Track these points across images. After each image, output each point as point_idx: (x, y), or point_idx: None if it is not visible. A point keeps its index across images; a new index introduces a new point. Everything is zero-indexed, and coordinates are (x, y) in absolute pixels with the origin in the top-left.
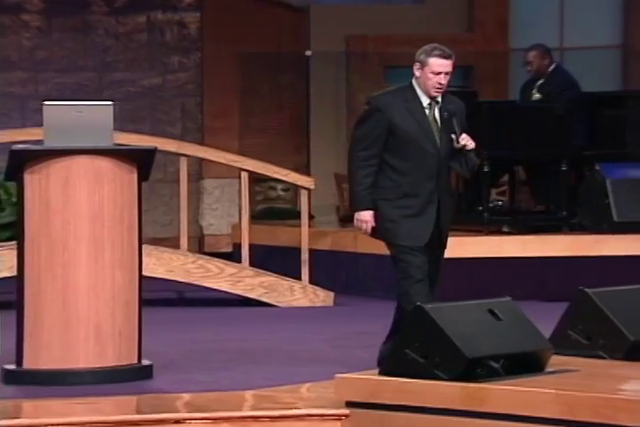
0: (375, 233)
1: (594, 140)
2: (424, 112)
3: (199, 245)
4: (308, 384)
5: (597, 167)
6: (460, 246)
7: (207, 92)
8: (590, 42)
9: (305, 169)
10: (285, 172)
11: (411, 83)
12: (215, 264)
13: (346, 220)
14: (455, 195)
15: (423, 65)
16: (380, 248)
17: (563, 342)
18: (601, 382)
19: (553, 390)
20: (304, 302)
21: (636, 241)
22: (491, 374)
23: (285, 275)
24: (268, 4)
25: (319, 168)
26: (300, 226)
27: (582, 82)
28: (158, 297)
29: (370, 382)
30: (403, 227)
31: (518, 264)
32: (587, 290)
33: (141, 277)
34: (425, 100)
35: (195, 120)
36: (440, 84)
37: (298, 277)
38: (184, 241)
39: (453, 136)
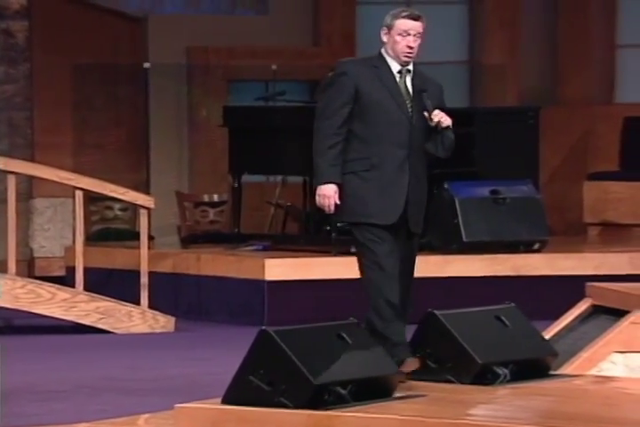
0: (338, 214)
1: (442, 158)
2: (394, 79)
3: (29, 269)
4: (146, 415)
5: (446, 186)
6: (306, 268)
7: (37, 106)
8: (437, 57)
9: (144, 187)
10: (123, 190)
11: (380, 52)
12: (46, 289)
13: (188, 241)
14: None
15: (390, 28)
16: (224, 269)
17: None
18: (448, 407)
19: (399, 416)
20: (143, 329)
21: (485, 261)
22: (338, 401)
23: (123, 300)
24: (103, 13)
25: (159, 186)
26: (138, 247)
27: None
28: None
29: (211, 411)
30: (369, 203)
31: None
32: (435, 312)
33: None
34: (395, 67)
35: (24, 135)
36: (409, 47)
37: (136, 302)
38: (12, 264)
39: (426, 114)
